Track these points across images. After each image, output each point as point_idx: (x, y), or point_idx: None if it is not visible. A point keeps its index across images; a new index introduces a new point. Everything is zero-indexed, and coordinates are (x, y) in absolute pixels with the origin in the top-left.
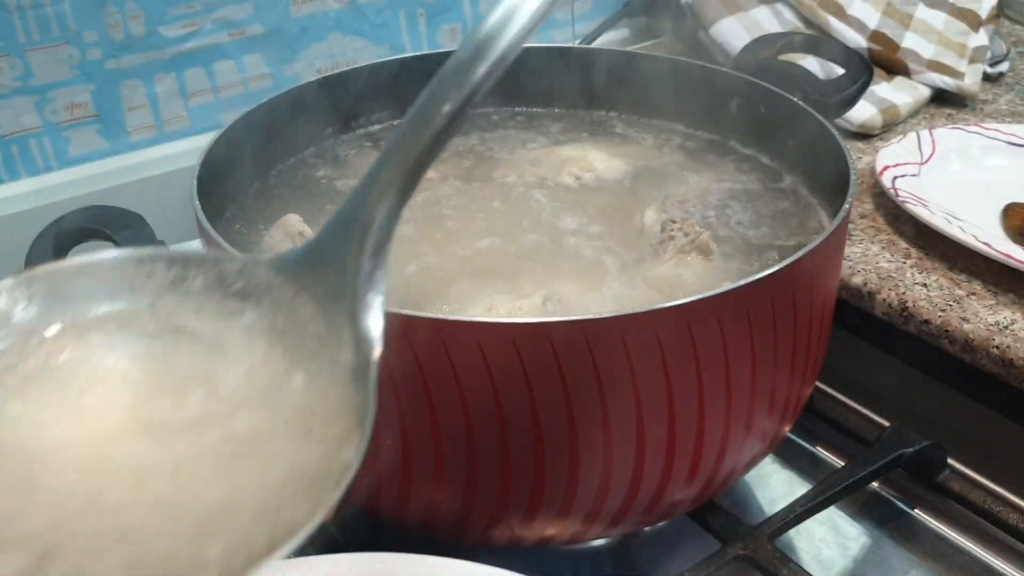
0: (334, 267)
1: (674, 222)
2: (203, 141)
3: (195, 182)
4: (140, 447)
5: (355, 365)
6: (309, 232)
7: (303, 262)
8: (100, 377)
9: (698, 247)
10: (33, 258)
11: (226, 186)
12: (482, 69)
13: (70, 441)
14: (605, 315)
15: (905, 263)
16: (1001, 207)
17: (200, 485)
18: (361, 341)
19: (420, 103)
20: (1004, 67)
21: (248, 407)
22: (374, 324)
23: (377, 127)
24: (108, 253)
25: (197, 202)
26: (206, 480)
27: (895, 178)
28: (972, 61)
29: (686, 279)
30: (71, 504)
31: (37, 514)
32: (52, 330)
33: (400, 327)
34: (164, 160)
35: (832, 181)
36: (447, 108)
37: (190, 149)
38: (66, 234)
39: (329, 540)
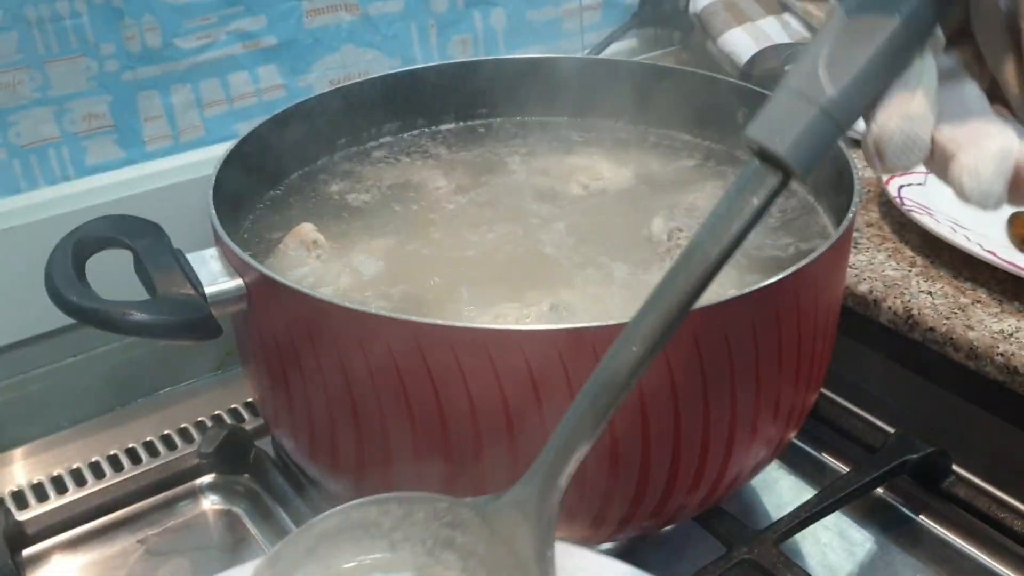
0: (527, 519)
1: (680, 230)
2: (218, 151)
3: (211, 191)
4: None
5: None
6: (322, 240)
7: (497, 510)
8: None
9: None
10: (53, 265)
11: (242, 195)
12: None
13: None
14: (611, 323)
15: (911, 271)
16: (1006, 216)
17: None
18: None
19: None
20: None
21: None
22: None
23: (389, 138)
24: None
25: (213, 211)
26: None
27: (901, 187)
28: None
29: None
30: None
31: None
32: None
33: (413, 334)
34: (180, 170)
35: (837, 189)
36: (598, 414)
37: (205, 159)
38: (85, 243)
39: None
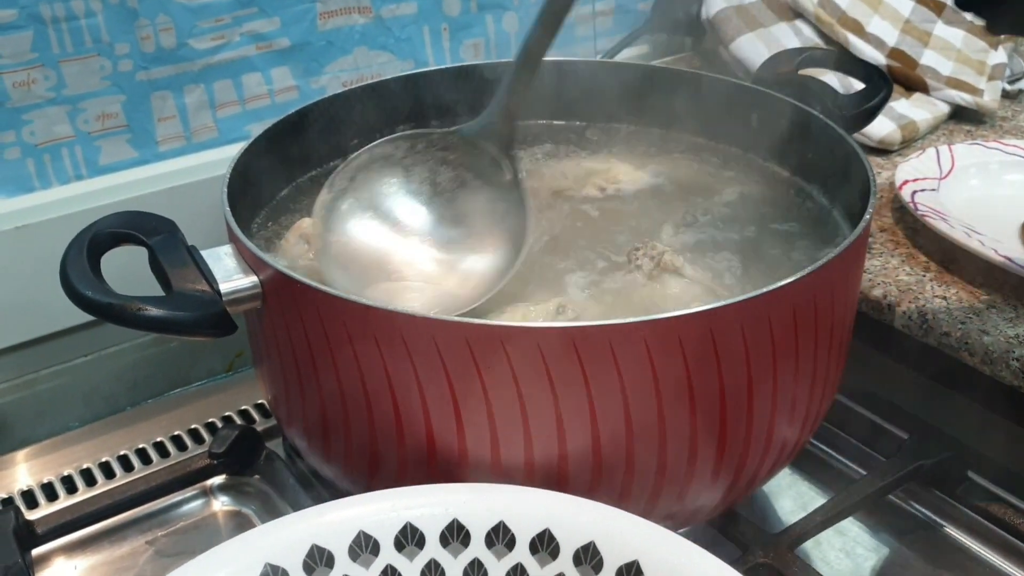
0: (494, 132)
1: (637, 248)
2: (230, 151)
3: (225, 190)
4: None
5: (512, 178)
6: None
7: (474, 130)
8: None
9: (663, 267)
10: (69, 261)
11: (254, 194)
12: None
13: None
14: (629, 320)
15: (925, 276)
16: (1021, 221)
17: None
18: (515, 166)
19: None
20: (1023, 84)
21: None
22: (517, 157)
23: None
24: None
25: (228, 209)
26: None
27: (914, 192)
28: (991, 78)
29: (692, 292)
30: None
31: None
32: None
33: (429, 329)
34: (192, 170)
35: (852, 193)
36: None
37: (218, 159)
38: (100, 239)
39: None
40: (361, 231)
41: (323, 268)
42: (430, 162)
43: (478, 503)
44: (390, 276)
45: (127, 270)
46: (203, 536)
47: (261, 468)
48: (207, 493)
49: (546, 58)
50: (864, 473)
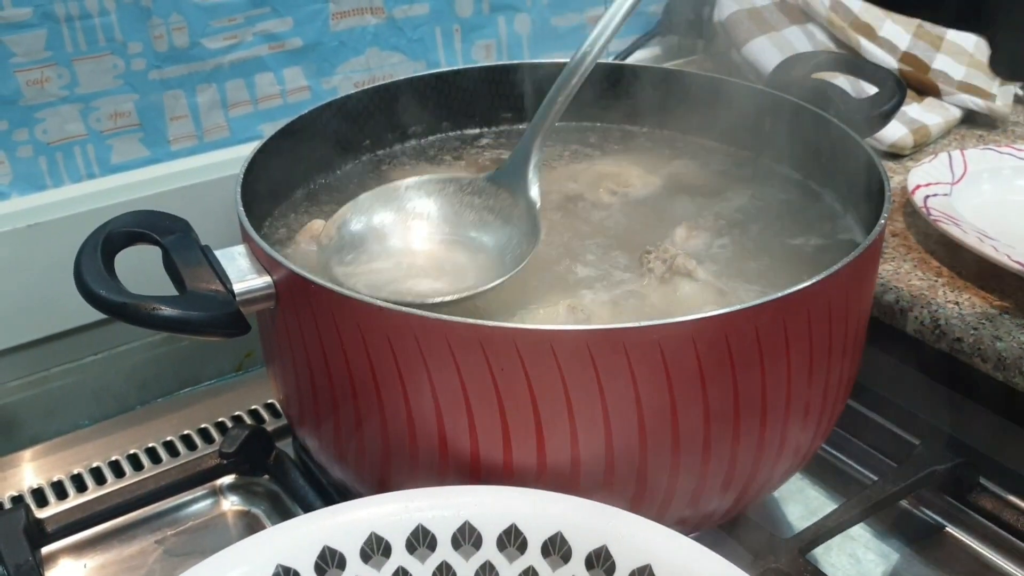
0: (517, 176)
1: (649, 252)
2: (242, 151)
3: (239, 190)
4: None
5: (528, 208)
6: None
7: (500, 176)
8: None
9: (675, 270)
10: (83, 259)
11: (267, 194)
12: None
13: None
14: (644, 323)
15: (937, 281)
16: None
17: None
18: (531, 202)
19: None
20: None
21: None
22: (536, 195)
23: (412, 141)
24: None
25: (241, 208)
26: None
27: (927, 197)
28: (1003, 83)
29: (704, 296)
30: None
31: None
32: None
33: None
34: (204, 169)
35: (866, 197)
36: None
37: (230, 159)
38: (114, 238)
39: None
40: (372, 237)
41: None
42: (455, 203)
43: (490, 506)
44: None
45: (138, 269)
46: (212, 536)
47: (271, 468)
48: (217, 493)
49: (561, 60)
50: (875, 479)
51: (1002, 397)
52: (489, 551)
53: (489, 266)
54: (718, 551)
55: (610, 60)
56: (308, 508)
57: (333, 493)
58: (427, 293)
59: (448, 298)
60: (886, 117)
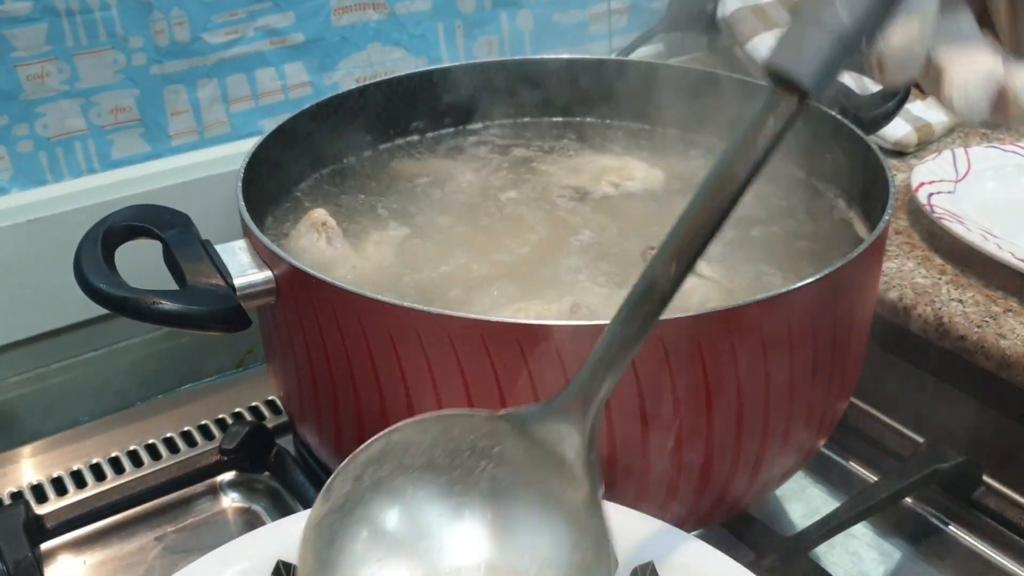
0: (564, 425)
1: (652, 248)
2: (243, 146)
3: (240, 185)
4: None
5: (588, 499)
6: (332, 223)
7: (537, 419)
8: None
9: None
10: (83, 255)
11: (268, 189)
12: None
13: None
14: None
15: (941, 279)
16: None
17: None
18: (593, 482)
19: (624, 311)
20: None
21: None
22: (598, 474)
23: (415, 136)
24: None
25: (243, 204)
26: None
27: (931, 195)
28: None
29: (707, 292)
30: None
31: None
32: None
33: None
34: (205, 164)
35: (869, 194)
36: (640, 325)
37: (230, 154)
38: (115, 232)
39: None
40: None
41: None
42: (467, 457)
43: None
44: None
45: (139, 264)
46: (212, 532)
47: (272, 465)
48: (217, 489)
49: (565, 56)
50: (878, 477)
51: (1006, 395)
52: None
53: None
54: (720, 549)
55: (613, 56)
56: (308, 505)
57: None
58: None
59: (470, 314)
60: (891, 115)
